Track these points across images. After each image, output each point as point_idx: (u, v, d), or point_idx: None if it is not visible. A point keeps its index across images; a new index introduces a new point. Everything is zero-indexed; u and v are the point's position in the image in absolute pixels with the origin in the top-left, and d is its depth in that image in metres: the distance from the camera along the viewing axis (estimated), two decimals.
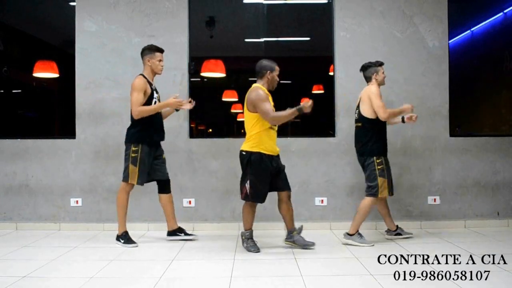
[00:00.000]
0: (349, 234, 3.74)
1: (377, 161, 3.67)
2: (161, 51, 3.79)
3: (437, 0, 4.54)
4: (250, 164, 3.45)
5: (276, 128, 3.56)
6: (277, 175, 3.55)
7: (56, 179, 4.52)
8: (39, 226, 4.44)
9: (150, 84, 3.75)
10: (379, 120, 3.69)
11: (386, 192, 3.70)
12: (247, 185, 3.47)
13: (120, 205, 3.79)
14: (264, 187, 3.49)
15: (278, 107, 3.53)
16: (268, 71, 3.51)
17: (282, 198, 3.60)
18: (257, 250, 3.53)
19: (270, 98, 3.53)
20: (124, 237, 3.78)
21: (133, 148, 3.67)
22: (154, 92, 3.78)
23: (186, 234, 3.95)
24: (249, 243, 3.59)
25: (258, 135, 3.45)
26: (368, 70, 3.80)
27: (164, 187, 3.91)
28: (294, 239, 3.60)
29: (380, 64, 3.79)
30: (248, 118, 3.52)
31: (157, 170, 3.84)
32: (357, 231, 3.73)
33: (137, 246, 3.73)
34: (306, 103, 3.38)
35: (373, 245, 3.68)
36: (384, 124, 3.76)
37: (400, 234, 3.94)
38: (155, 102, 3.74)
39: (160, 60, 3.76)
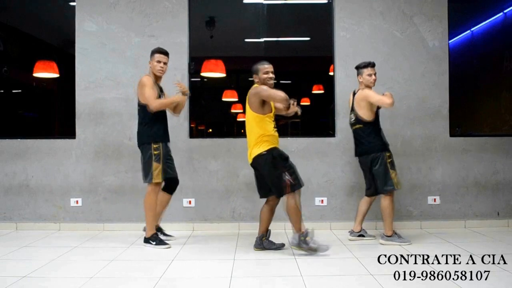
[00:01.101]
0: (387, 236, 3.74)
1: (387, 154, 3.72)
2: (161, 52, 3.74)
3: (437, 0, 4.54)
4: (276, 158, 3.40)
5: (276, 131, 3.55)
6: None
7: (56, 179, 4.52)
8: (39, 226, 4.44)
9: (156, 85, 3.75)
10: (378, 120, 3.75)
11: (400, 184, 3.75)
12: (287, 177, 3.35)
13: (151, 208, 3.71)
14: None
15: None
16: (254, 75, 3.51)
17: (273, 201, 3.60)
18: (326, 248, 3.42)
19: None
20: (155, 239, 3.71)
21: (155, 146, 3.67)
22: (161, 93, 3.79)
23: (164, 234, 3.95)
24: (313, 242, 3.40)
25: (265, 136, 3.43)
26: (357, 72, 3.82)
27: (171, 186, 3.89)
28: (264, 245, 3.59)
29: (365, 65, 3.74)
30: (253, 122, 3.46)
31: (170, 168, 3.83)
32: (394, 231, 3.75)
33: (170, 247, 3.66)
34: None
35: (410, 243, 3.71)
36: (379, 123, 3.80)
37: (363, 236, 3.94)
38: None
39: (158, 61, 3.71)
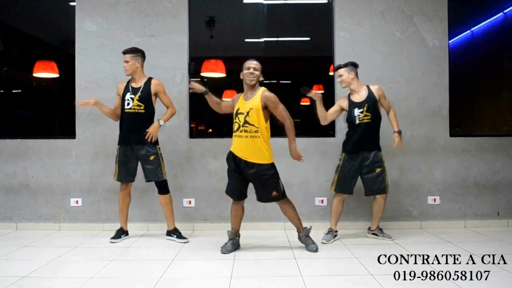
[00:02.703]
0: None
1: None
2: (123, 52, 3.83)
3: (437, 0, 4.54)
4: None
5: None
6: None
7: (56, 179, 4.52)
8: (39, 226, 4.44)
9: (127, 86, 3.89)
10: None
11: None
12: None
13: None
14: None
15: None
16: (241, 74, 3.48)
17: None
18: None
19: (242, 97, 3.48)
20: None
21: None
22: (129, 94, 3.86)
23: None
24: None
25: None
26: (353, 69, 3.90)
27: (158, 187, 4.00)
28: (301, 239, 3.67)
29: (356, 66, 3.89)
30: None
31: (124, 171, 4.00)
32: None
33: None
34: None
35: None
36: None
37: (377, 235, 4.01)
38: (128, 103, 3.82)
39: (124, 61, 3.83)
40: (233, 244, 3.58)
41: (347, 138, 3.90)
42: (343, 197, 3.90)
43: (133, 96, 3.80)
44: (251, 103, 3.39)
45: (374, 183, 3.79)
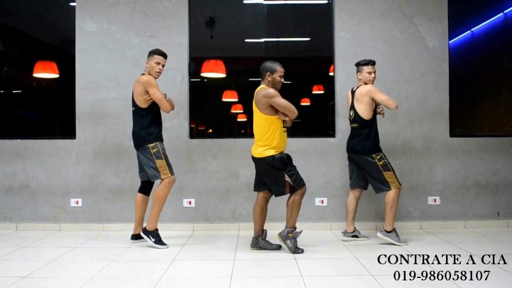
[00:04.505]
0: (387, 231, 3.77)
1: (377, 157, 3.73)
2: (161, 54, 3.72)
3: (437, 1, 4.54)
4: (278, 163, 3.42)
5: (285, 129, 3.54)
6: None
7: (56, 179, 4.52)
8: (39, 226, 4.44)
9: None
10: (374, 120, 3.78)
11: (398, 183, 3.77)
12: (287, 179, 3.42)
13: (163, 202, 3.71)
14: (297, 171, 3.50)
15: None
16: (268, 73, 3.46)
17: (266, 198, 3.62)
18: (301, 251, 3.49)
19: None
20: (156, 236, 3.73)
21: (159, 144, 3.71)
22: None
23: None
24: (295, 243, 3.50)
25: (274, 136, 3.43)
26: (357, 69, 3.84)
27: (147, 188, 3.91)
28: (260, 245, 3.60)
29: (365, 63, 3.77)
30: (261, 121, 3.45)
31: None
32: (394, 228, 3.77)
33: (167, 248, 3.67)
34: None
35: (407, 244, 3.72)
36: (376, 123, 3.82)
37: (357, 237, 3.94)
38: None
39: (158, 63, 3.69)
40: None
41: (376, 139, 3.79)
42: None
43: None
44: None
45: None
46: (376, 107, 3.78)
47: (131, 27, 4.52)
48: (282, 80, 3.50)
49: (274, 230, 3.73)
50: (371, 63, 3.76)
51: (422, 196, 4.52)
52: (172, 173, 3.69)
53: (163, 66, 3.73)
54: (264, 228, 3.62)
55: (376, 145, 3.78)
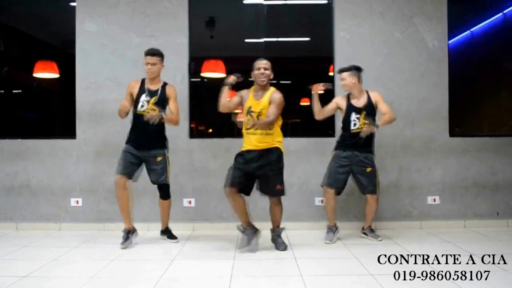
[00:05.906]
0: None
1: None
2: (148, 53, 3.73)
3: (437, 0, 4.54)
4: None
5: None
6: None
7: (57, 179, 4.52)
8: (40, 226, 4.45)
9: (142, 86, 3.78)
10: None
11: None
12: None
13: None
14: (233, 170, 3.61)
15: None
16: (251, 72, 3.55)
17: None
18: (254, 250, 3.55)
19: (251, 94, 3.55)
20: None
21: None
22: (143, 94, 3.75)
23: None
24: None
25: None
26: (356, 74, 3.88)
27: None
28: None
29: (361, 69, 3.89)
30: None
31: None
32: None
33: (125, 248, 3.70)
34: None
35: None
36: None
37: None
38: (142, 105, 3.73)
39: (146, 63, 3.72)
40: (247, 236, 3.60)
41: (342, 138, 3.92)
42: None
43: (149, 98, 3.73)
44: (262, 103, 3.49)
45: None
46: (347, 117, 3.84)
47: (132, 28, 4.53)
48: (262, 71, 3.46)
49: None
50: (339, 71, 3.93)
51: (422, 195, 4.53)
52: (116, 171, 3.78)
53: (152, 64, 3.71)
54: (264, 228, 3.64)
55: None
